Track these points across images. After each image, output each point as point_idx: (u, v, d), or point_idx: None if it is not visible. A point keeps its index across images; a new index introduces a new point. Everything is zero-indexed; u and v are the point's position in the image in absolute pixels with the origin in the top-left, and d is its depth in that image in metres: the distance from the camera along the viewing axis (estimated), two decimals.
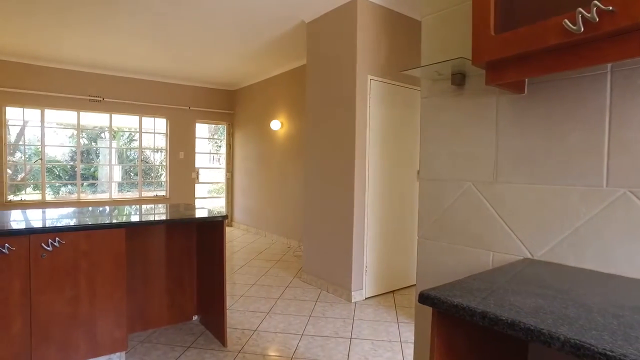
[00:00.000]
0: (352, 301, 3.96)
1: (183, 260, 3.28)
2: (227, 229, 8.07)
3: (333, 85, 4.19)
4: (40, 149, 14.11)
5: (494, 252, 1.34)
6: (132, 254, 3.02)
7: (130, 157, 14.03)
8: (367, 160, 3.97)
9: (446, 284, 0.95)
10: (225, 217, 2.92)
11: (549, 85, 1.20)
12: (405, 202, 4.37)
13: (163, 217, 2.94)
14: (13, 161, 13.01)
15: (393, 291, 4.32)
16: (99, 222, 2.41)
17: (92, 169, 15.55)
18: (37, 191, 12.24)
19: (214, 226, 2.99)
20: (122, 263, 2.46)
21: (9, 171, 12.48)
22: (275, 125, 6.85)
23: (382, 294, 4.22)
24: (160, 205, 3.87)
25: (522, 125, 1.27)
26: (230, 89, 8.41)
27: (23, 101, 6.53)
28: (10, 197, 6.63)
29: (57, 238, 2.23)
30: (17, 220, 2.56)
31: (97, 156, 15.50)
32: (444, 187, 1.53)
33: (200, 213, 3.10)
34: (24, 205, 6.64)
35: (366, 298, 4.07)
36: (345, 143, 4.01)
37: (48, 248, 2.21)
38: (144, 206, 3.88)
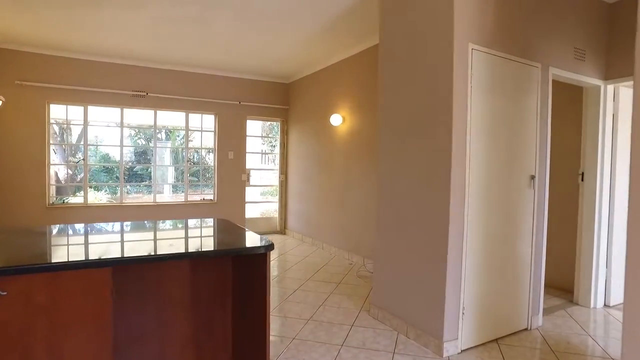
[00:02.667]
0: (444, 355, 2.87)
1: (214, 300, 2.37)
2: (281, 238, 7.22)
3: (417, 63, 3.12)
4: (95, 149, 14.14)
5: None
6: (142, 294, 2.15)
7: (195, 159, 13.75)
8: (467, 163, 2.85)
9: None
10: (271, 247, 1.97)
11: None
12: (516, 218, 3.20)
13: (182, 246, 2.04)
14: (73, 162, 13.12)
15: (497, 339, 3.17)
16: (68, 261, 1.53)
17: (149, 170, 15.54)
18: (98, 192, 12.21)
19: (255, 259, 2.05)
20: (106, 319, 1.58)
21: (68, 172, 12.51)
22: (336, 120, 5.87)
23: (483, 344, 3.08)
24: (194, 221, 3.02)
25: None
26: (285, 81, 7.55)
27: (66, 98, 6.06)
28: (53, 200, 6.17)
29: None
30: None
31: (150, 157, 15.47)
32: None
33: (240, 238, 2.18)
34: (66, 209, 6.17)
35: (462, 350, 2.96)
36: (436, 138, 2.92)
37: None
38: (175, 221, 3.06)
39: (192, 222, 2.94)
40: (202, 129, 7.15)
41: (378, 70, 3.61)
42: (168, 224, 2.95)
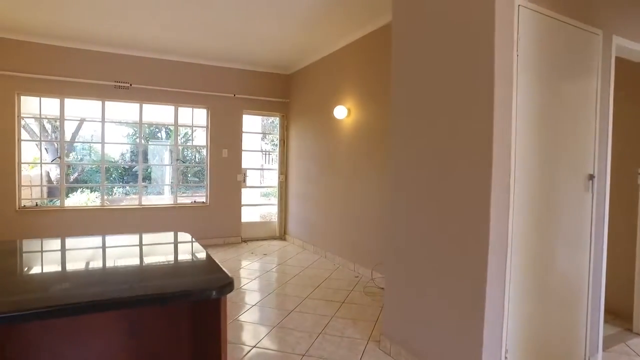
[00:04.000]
0: None
1: (166, 355, 1.68)
2: (280, 244, 6.53)
3: (445, 29, 2.41)
4: (90, 148, 13.49)
5: None
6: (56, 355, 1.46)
7: (189, 157, 13.11)
8: (511, 158, 2.14)
9: None
10: (227, 288, 1.28)
11: None
12: (571, 230, 2.47)
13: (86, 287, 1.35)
14: (66, 161, 12.52)
15: None
16: None
17: (149, 170, 14.91)
18: (92, 192, 11.61)
19: (208, 304, 1.37)
20: None
21: (57, 172, 11.94)
22: (340, 112, 5.17)
23: None
24: (150, 237, 2.34)
25: None
26: (284, 72, 6.86)
27: (39, 88, 5.42)
28: (25, 203, 5.54)
29: None
30: None
31: (151, 156, 14.81)
32: None
33: (188, 273, 1.50)
34: (38, 212, 5.53)
35: None
36: (470, 128, 2.21)
37: None
38: (115, 239, 2.40)
39: (141, 239, 2.27)
40: (192, 125, 6.49)
41: (393, 49, 2.90)
42: (97, 247, 2.26)
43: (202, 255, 1.73)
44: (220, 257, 5.58)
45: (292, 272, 4.97)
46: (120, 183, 13.98)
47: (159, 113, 6.54)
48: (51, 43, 5.38)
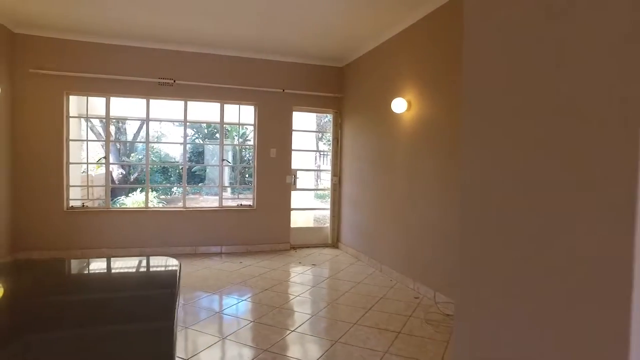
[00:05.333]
0: None
1: None
2: (331, 253, 5.96)
3: None
4: (152, 148, 13.80)
5: None
6: None
7: (246, 157, 12.98)
8: None
9: None
10: None
11: None
12: None
13: None
14: (125, 161, 12.88)
15: None
16: None
17: (206, 171, 15.04)
18: (150, 192, 11.78)
19: None
20: None
21: (122, 171, 12.26)
22: (399, 106, 4.49)
23: None
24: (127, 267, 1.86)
25: None
26: (337, 64, 6.28)
27: (86, 87, 5.29)
28: (72, 204, 5.44)
29: None
30: None
31: (209, 157, 14.90)
32: None
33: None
34: (85, 213, 5.40)
35: None
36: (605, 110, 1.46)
37: None
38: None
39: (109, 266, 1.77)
40: (239, 123, 6.11)
41: (465, 22, 2.20)
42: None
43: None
44: (265, 267, 5.11)
45: (342, 287, 4.36)
46: (179, 183, 14.17)
47: (210, 111, 6.23)
48: (95, 41, 5.23)
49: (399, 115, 4.61)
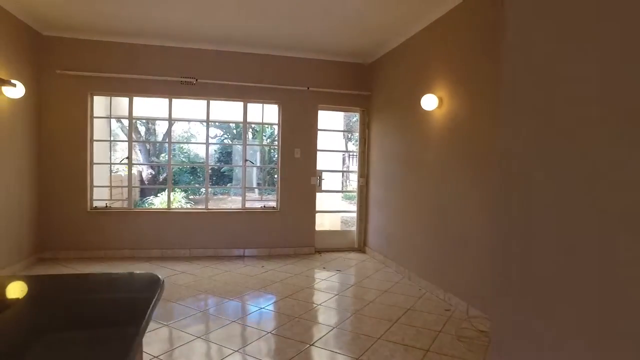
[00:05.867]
0: None
1: None
2: (358, 258, 5.70)
3: None
4: (180, 148, 13.87)
5: None
6: None
7: (275, 158, 12.90)
8: None
9: None
10: None
11: None
12: None
13: None
14: (156, 162, 13.03)
15: None
16: None
17: (234, 171, 15.04)
18: (178, 192, 11.81)
19: None
20: None
21: (151, 172, 12.40)
22: (430, 103, 4.18)
23: None
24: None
25: None
26: (364, 61, 6.00)
27: (110, 87, 5.26)
28: (96, 204, 5.42)
29: None
30: None
31: (237, 157, 14.89)
32: None
33: None
34: (108, 214, 5.36)
35: None
36: None
37: None
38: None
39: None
40: (262, 123, 5.94)
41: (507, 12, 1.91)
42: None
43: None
44: (287, 272, 4.91)
45: (367, 296, 4.10)
46: (202, 184, 14.22)
47: (235, 111, 6.08)
48: (118, 40, 5.19)
49: (429, 113, 4.30)
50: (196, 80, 5.37)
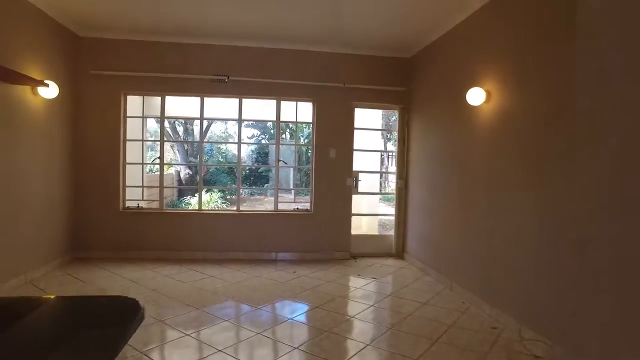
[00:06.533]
0: None
1: None
2: (395, 265, 5.37)
3: None
4: (218, 148, 13.89)
5: None
6: None
7: (311, 159, 12.68)
8: None
9: None
10: None
11: None
12: None
13: None
14: (193, 162, 13.14)
15: None
16: None
17: (271, 172, 14.95)
18: (214, 193, 11.83)
19: None
20: None
21: (189, 172, 12.49)
22: (476, 97, 3.78)
23: None
24: None
25: None
26: (404, 55, 5.64)
27: (142, 87, 5.22)
28: (129, 204, 5.39)
29: None
30: None
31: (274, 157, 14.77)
32: None
33: None
34: (139, 214, 5.31)
35: None
36: None
37: None
38: None
39: None
40: (296, 122, 5.71)
41: None
42: None
43: None
44: (320, 278, 4.65)
45: (404, 309, 3.76)
46: (245, 184, 14.22)
47: (270, 110, 5.88)
48: (150, 39, 5.13)
49: (476, 108, 3.90)
50: (228, 78, 5.21)
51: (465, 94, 3.89)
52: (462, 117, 4.18)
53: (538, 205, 3.04)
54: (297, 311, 3.69)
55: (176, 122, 12.30)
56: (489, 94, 3.70)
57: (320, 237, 5.56)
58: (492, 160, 3.66)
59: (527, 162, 3.19)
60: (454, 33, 4.43)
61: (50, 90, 4.14)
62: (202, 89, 5.27)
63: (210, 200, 10.45)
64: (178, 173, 11.89)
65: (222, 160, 13.98)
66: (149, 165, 7.94)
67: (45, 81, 4.08)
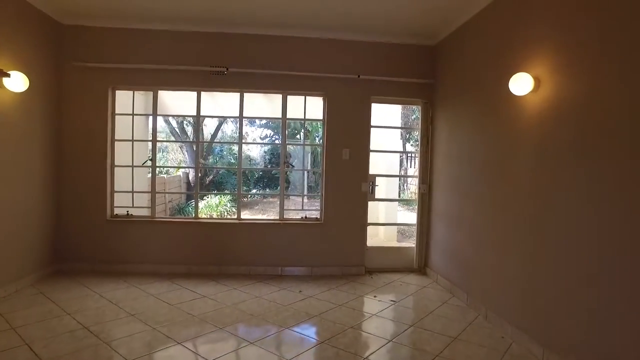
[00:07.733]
0: None
1: None
2: (417, 282, 4.68)
3: None
4: (229, 149, 13.40)
5: None
6: None
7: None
8: None
9: None
10: None
11: None
12: None
13: None
14: (203, 163, 12.60)
15: None
16: None
17: (287, 174, 14.32)
18: (222, 196, 11.23)
19: None
20: None
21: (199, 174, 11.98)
22: (521, 85, 3.05)
23: None
24: None
25: None
26: (427, 42, 4.92)
27: (131, 80, 4.65)
28: (117, 212, 4.82)
29: None
30: None
31: (292, 158, 14.15)
32: None
33: None
34: (128, 223, 4.74)
35: None
36: None
37: None
38: None
39: None
40: (305, 119, 5.04)
41: None
42: None
43: None
44: (330, 300, 3.98)
45: (430, 346, 3.05)
46: (258, 186, 13.64)
47: (279, 107, 5.24)
48: (139, 27, 4.56)
49: (520, 100, 3.18)
50: (227, 69, 4.59)
51: (505, 82, 3.16)
52: (500, 111, 3.46)
53: (600, 224, 2.31)
54: (296, 349, 3.01)
55: (184, 121, 11.79)
56: (538, 81, 2.97)
57: (331, 250, 4.89)
58: (542, 163, 2.93)
59: (590, 168, 2.45)
60: (489, 12, 3.71)
61: (14, 82, 3.58)
62: (199, 82, 4.66)
63: (219, 204, 9.89)
64: (187, 175, 11.38)
65: (234, 162, 13.43)
66: (149, 169, 7.38)
67: (9, 72, 3.52)
